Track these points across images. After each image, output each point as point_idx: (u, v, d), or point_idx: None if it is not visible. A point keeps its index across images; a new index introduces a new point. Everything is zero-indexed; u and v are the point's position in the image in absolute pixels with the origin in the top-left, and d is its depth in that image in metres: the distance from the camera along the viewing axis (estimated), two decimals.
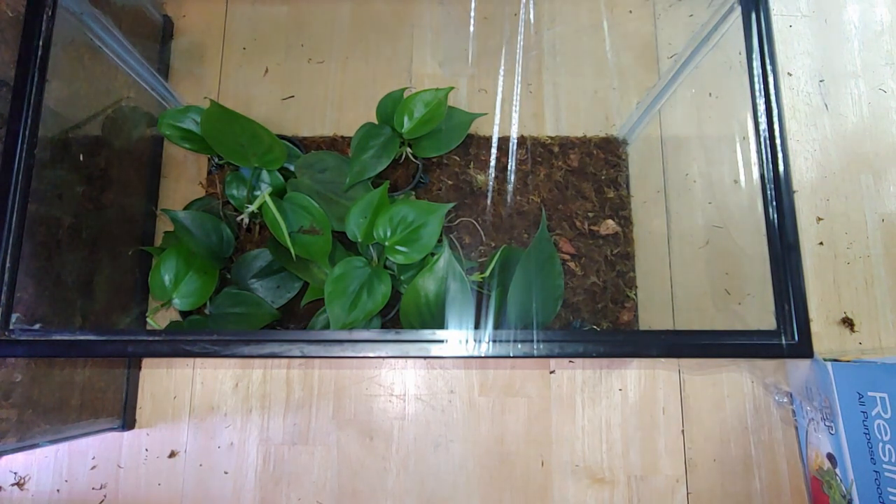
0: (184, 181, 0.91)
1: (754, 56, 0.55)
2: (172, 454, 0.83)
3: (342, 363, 0.86)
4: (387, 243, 0.71)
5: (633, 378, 0.85)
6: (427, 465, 0.83)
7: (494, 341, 0.50)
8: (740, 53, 0.57)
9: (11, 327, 0.52)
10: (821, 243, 0.89)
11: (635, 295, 0.86)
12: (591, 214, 0.88)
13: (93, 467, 0.83)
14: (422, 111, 0.79)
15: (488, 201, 0.89)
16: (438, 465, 0.83)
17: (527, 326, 0.70)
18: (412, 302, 0.68)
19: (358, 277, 0.70)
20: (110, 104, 0.78)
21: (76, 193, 0.71)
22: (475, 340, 0.50)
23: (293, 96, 0.94)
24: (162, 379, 0.85)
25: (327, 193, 0.79)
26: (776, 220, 0.52)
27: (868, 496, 0.70)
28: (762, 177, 0.53)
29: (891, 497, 0.67)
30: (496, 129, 0.82)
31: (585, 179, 0.90)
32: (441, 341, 0.50)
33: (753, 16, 0.56)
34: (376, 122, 0.81)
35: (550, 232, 0.87)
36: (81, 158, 0.72)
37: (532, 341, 0.50)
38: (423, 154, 0.83)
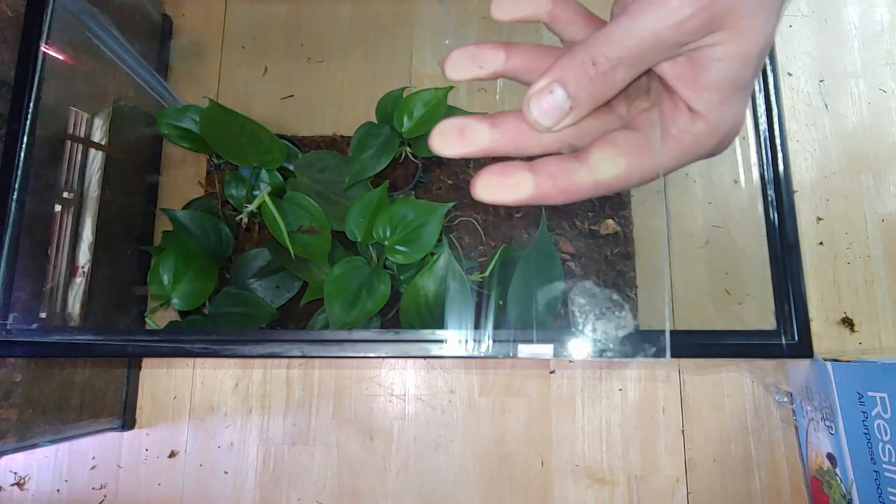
0: (183, 181, 0.91)
1: None
2: (172, 454, 0.83)
3: (342, 363, 0.86)
4: (386, 243, 0.71)
5: (633, 378, 0.85)
6: (427, 465, 0.83)
7: (494, 341, 0.50)
8: None
9: (10, 327, 0.52)
10: (821, 243, 0.89)
11: (635, 295, 0.86)
12: (591, 214, 0.88)
13: (93, 467, 0.83)
14: (421, 110, 0.78)
15: None
16: (438, 465, 0.83)
17: (527, 326, 0.70)
18: (412, 302, 0.68)
19: (357, 277, 0.70)
20: (109, 103, 0.78)
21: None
22: (475, 340, 0.50)
23: (292, 96, 0.94)
24: (162, 379, 0.85)
25: (327, 193, 0.79)
26: (776, 220, 0.52)
27: (868, 496, 0.70)
28: (762, 177, 0.53)
29: (891, 497, 0.67)
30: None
31: None
32: (441, 341, 0.50)
33: None
34: (376, 122, 0.81)
35: (550, 232, 0.87)
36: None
37: (532, 341, 0.50)
38: (422, 153, 0.83)
